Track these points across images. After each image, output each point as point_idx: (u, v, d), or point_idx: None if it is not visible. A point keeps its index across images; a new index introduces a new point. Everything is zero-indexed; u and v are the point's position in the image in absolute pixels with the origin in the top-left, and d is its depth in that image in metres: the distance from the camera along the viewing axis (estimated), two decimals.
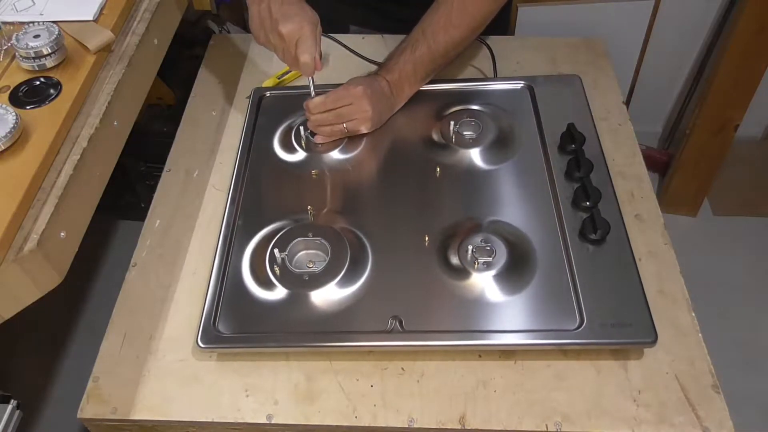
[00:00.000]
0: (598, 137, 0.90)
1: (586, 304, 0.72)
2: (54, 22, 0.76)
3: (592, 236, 0.77)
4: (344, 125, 0.89)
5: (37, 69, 0.73)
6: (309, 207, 0.84)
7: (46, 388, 1.55)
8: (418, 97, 0.97)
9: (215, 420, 0.69)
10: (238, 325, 0.73)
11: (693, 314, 0.75)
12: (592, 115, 0.93)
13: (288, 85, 1.04)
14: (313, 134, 0.92)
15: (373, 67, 0.95)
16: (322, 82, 0.90)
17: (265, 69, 1.07)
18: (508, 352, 0.72)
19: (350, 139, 0.92)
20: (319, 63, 0.82)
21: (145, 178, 1.66)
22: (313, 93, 0.88)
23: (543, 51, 1.08)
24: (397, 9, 1.08)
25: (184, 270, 0.81)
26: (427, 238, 0.80)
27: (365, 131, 0.91)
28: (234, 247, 0.80)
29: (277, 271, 0.76)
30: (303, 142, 0.92)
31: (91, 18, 0.80)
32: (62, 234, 0.64)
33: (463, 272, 0.76)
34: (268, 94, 1.00)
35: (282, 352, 0.73)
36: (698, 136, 1.74)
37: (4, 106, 0.67)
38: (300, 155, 0.91)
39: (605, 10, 1.60)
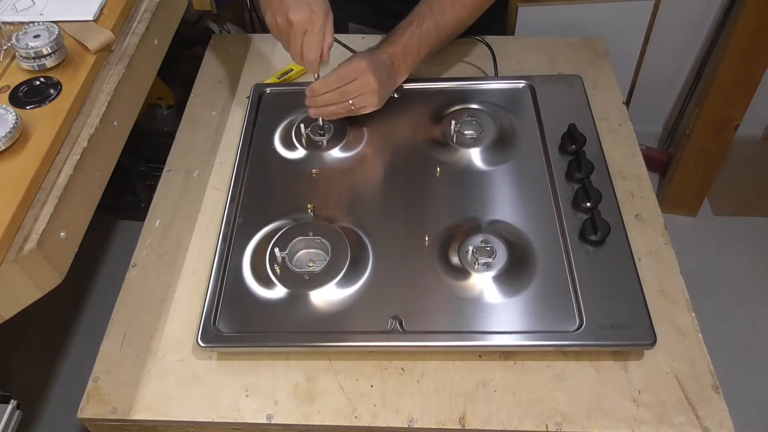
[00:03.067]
0: (598, 137, 0.90)
1: (586, 305, 0.72)
2: (54, 22, 0.76)
3: (592, 238, 0.77)
4: (350, 102, 0.86)
5: (37, 69, 0.73)
6: (309, 206, 0.84)
7: (46, 388, 1.55)
8: (419, 96, 0.97)
9: (215, 420, 0.69)
10: (238, 325, 0.73)
11: (693, 314, 0.75)
12: (593, 116, 0.93)
13: (289, 81, 1.04)
14: (315, 132, 0.92)
15: None
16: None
17: (266, 69, 1.07)
18: (508, 353, 0.72)
19: (351, 138, 0.92)
20: (327, 55, 0.81)
21: (145, 178, 1.66)
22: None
23: (543, 51, 1.08)
24: (396, 5, 1.08)
25: (184, 270, 0.81)
26: (427, 238, 0.80)
27: (371, 108, 0.88)
28: (234, 246, 0.80)
29: (278, 271, 0.76)
30: (303, 140, 0.92)
31: (91, 18, 0.80)
32: (62, 234, 0.64)
33: (463, 272, 0.76)
34: (268, 90, 1.00)
35: (282, 351, 0.73)
36: (698, 136, 1.74)
37: (4, 106, 0.67)
38: (300, 153, 0.91)
39: (605, 10, 1.60)
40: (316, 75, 0.86)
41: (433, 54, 0.93)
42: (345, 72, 0.84)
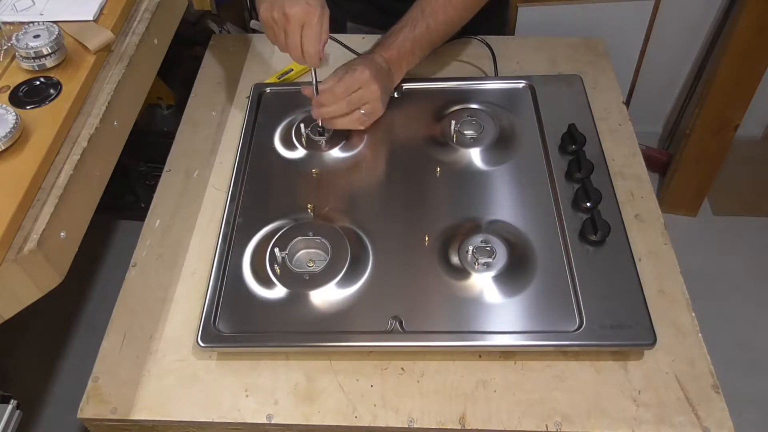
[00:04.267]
0: (598, 137, 0.90)
1: (586, 305, 0.72)
2: (54, 22, 0.76)
3: (593, 237, 0.77)
4: (362, 111, 0.88)
5: (37, 69, 0.73)
6: (309, 206, 0.84)
7: (46, 388, 1.55)
8: (419, 95, 0.97)
9: (215, 420, 0.69)
10: (238, 325, 0.73)
11: (693, 314, 0.75)
12: (593, 116, 0.93)
13: (289, 81, 1.04)
14: (315, 132, 0.92)
15: None
16: (320, 77, 0.89)
17: (266, 69, 1.07)
18: (508, 353, 0.72)
19: (351, 138, 0.92)
20: (322, 53, 0.81)
21: (145, 178, 1.66)
22: (315, 83, 0.87)
23: (543, 51, 1.08)
24: (394, 4, 1.08)
25: (184, 270, 0.81)
26: (427, 238, 0.80)
27: (377, 115, 0.91)
28: (234, 246, 0.80)
29: (278, 271, 0.76)
30: (303, 140, 0.92)
31: (91, 18, 0.80)
32: (62, 234, 0.64)
33: (463, 272, 0.76)
34: (268, 90, 1.00)
35: (282, 351, 0.73)
36: (698, 136, 1.74)
37: (4, 106, 0.67)
38: (300, 153, 0.91)
39: (605, 10, 1.60)
40: (313, 72, 0.85)
41: (426, 56, 0.94)
42: (350, 82, 0.85)
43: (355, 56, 0.96)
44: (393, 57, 0.90)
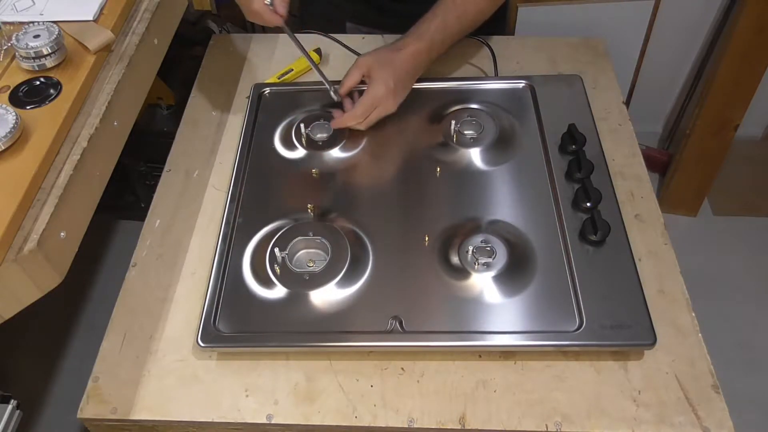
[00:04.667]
0: (598, 137, 0.90)
1: (586, 305, 0.72)
2: (54, 22, 0.76)
3: (593, 237, 0.77)
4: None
5: (37, 69, 0.73)
6: (309, 206, 0.84)
7: (46, 388, 1.55)
8: (419, 95, 0.97)
9: (215, 420, 0.69)
10: (238, 325, 0.73)
11: (693, 314, 0.75)
12: (593, 116, 0.93)
13: (289, 81, 1.04)
14: (315, 132, 0.92)
15: None
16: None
17: (265, 69, 1.07)
18: (508, 353, 0.72)
19: (351, 138, 0.92)
20: (282, 7, 0.78)
21: (145, 178, 1.66)
22: (316, 69, 0.87)
23: (543, 51, 1.08)
24: (393, 4, 1.08)
25: (184, 270, 0.81)
26: (427, 238, 0.80)
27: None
28: (234, 246, 0.80)
29: (278, 271, 0.76)
30: (303, 140, 0.92)
31: (91, 18, 0.80)
32: (62, 234, 0.64)
33: (463, 272, 0.76)
34: (268, 90, 1.00)
35: (282, 351, 0.73)
36: (698, 136, 1.74)
37: (4, 106, 0.67)
38: (300, 153, 0.91)
39: (605, 10, 1.60)
40: (311, 62, 0.85)
41: (452, 46, 0.94)
42: (369, 102, 0.87)
43: (356, 55, 0.96)
44: (424, 49, 0.91)
